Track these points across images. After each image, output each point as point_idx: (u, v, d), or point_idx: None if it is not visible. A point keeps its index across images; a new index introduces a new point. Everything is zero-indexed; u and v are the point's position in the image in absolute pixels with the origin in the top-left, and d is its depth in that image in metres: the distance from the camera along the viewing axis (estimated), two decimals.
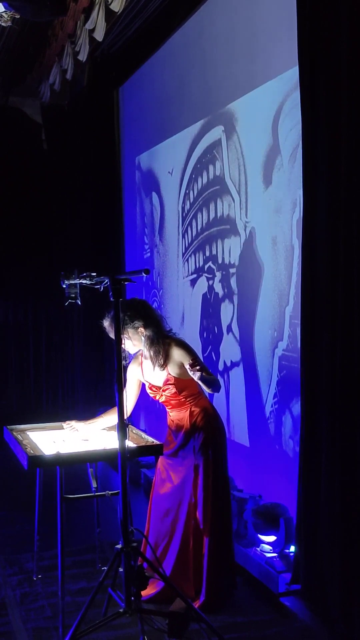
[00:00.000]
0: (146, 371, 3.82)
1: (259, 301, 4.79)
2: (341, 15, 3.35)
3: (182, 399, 3.74)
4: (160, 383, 3.75)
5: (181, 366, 3.66)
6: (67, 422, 4.05)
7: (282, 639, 3.42)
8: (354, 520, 3.33)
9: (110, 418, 3.97)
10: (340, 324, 3.38)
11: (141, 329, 3.69)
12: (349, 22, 3.28)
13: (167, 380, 3.71)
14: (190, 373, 3.45)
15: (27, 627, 3.56)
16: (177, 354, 3.67)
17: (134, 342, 3.72)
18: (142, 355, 3.81)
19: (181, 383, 3.69)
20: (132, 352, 3.81)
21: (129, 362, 3.91)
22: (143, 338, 3.70)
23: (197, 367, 3.38)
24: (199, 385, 3.67)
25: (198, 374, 3.40)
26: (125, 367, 3.97)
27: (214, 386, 3.60)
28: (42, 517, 4.10)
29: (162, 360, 3.69)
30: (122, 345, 3.72)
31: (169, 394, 3.74)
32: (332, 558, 3.47)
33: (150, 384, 3.82)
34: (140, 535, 3.23)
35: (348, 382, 3.34)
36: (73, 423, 4.01)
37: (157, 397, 3.83)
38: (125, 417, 3.17)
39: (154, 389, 3.81)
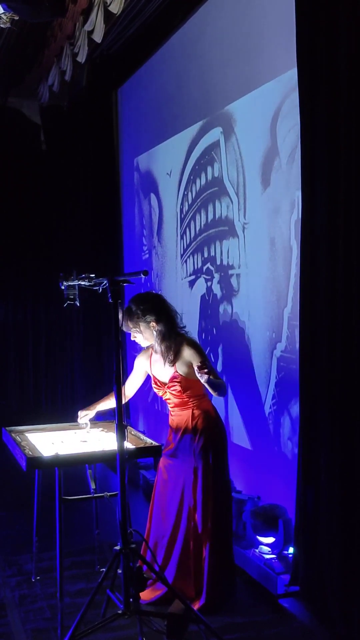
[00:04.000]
0: (155, 365, 3.81)
1: (258, 303, 4.79)
2: (340, 17, 3.35)
3: (186, 399, 3.73)
4: (166, 379, 3.74)
5: (189, 365, 3.65)
6: (78, 421, 4.02)
7: (281, 639, 3.42)
8: (352, 521, 3.33)
9: (110, 401, 3.96)
10: (339, 325, 3.39)
11: (153, 324, 3.68)
12: (348, 23, 3.29)
13: (174, 377, 3.69)
14: (198, 375, 3.44)
15: (26, 628, 3.56)
16: (187, 353, 3.66)
17: (145, 336, 3.71)
18: (152, 349, 3.80)
19: (187, 382, 3.68)
20: (143, 345, 3.81)
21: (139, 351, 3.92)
22: (155, 332, 3.69)
23: (205, 370, 3.37)
24: (205, 387, 3.67)
25: (205, 376, 3.39)
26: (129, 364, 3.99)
27: (220, 390, 3.59)
28: (40, 518, 4.10)
29: (172, 357, 3.68)
30: (134, 339, 3.74)
31: (173, 392, 3.73)
32: (331, 559, 3.47)
33: (156, 378, 3.81)
34: (139, 536, 3.22)
35: (347, 383, 3.35)
36: (81, 415, 3.99)
37: (160, 394, 3.82)
38: (123, 416, 3.16)
39: (159, 384, 3.80)
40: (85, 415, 3.97)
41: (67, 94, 8.05)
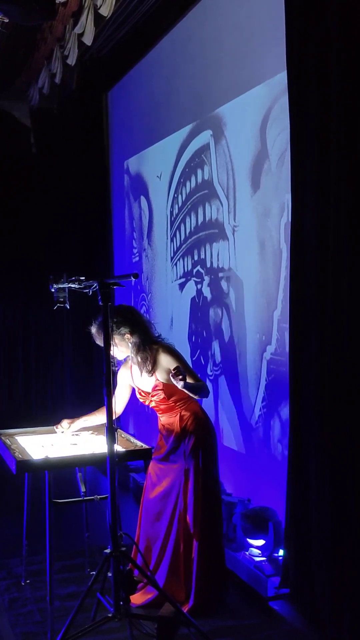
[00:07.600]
0: (135, 376, 3.82)
1: (248, 305, 4.80)
2: (329, 21, 3.37)
3: (172, 404, 3.74)
4: (148, 389, 3.75)
5: (169, 372, 3.65)
6: (58, 425, 4.04)
7: None
8: (342, 523, 3.34)
9: (96, 417, 3.95)
10: (329, 328, 3.39)
11: (128, 336, 3.68)
12: (337, 27, 3.30)
13: (156, 386, 3.71)
14: (173, 381, 3.44)
15: (15, 631, 3.54)
16: (164, 360, 3.67)
17: (120, 348, 3.71)
18: (131, 360, 3.81)
19: (170, 388, 3.68)
20: (119, 358, 3.81)
21: (119, 367, 3.91)
22: (130, 344, 3.69)
23: (180, 377, 3.37)
24: None
25: (181, 383, 3.39)
26: (116, 372, 3.99)
27: (201, 392, 3.60)
28: (30, 521, 4.08)
29: (149, 367, 3.69)
30: (110, 351, 3.73)
31: (157, 400, 3.74)
32: (321, 561, 3.47)
33: (139, 389, 3.82)
34: (129, 539, 3.21)
35: (336, 385, 3.35)
36: (63, 424, 4.00)
37: (146, 402, 3.83)
38: (113, 419, 3.17)
39: (143, 394, 3.81)
40: (67, 428, 3.97)
41: (57, 96, 8.04)
